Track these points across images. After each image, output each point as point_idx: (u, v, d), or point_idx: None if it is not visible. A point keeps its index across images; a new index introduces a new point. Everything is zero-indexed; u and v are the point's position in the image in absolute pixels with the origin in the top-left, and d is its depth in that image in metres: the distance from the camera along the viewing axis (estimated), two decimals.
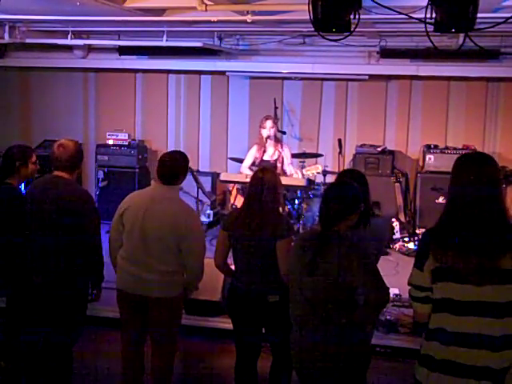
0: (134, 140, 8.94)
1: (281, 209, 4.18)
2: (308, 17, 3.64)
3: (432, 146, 8.14)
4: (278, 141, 7.14)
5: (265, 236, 3.67)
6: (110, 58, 8.78)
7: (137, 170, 8.72)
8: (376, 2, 3.59)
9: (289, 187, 6.83)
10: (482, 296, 2.49)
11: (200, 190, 7.27)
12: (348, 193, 3.12)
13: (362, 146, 8.37)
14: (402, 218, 8.17)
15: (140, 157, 8.81)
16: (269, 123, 6.95)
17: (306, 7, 3.63)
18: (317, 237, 3.05)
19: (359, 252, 2.97)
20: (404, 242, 7.67)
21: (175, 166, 3.88)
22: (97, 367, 4.75)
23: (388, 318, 5.13)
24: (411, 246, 7.53)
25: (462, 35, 5.60)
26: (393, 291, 5.50)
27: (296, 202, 7.15)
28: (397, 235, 7.77)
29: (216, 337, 5.16)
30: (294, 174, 7.07)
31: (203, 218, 7.73)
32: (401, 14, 3.83)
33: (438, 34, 3.84)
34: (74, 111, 9.46)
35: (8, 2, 4.39)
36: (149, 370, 4.01)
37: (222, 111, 9.06)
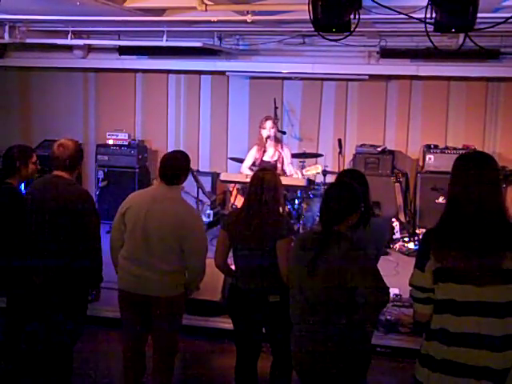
0: (134, 140, 8.94)
1: (281, 209, 4.18)
2: (308, 17, 3.64)
3: (432, 146, 8.15)
4: (277, 141, 7.15)
5: (265, 236, 3.67)
6: (110, 57, 8.78)
7: (137, 170, 8.72)
8: (376, 2, 3.59)
9: (289, 187, 6.83)
10: (483, 296, 2.49)
11: (200, 190, 7.27)
12: (348, 193, 3.12)
13: (361, 145, 8.37)
14: (402, 218, 8.18)
15: (140, 157, 8.81)
16: (269, 124, 6.95)
17: (306, 7, 3.63)
18: (317, 237, 3.05)
19: (359, 252, 2.97)
20: (404, 241, 7.67)
21: (177, 166, 3.88)
22: (97, 367, 4.76)
23: (388, 317, 5.13)
24: (411, 245, 7.53)
25: (462, 35, 5.60)
26: (393, 291, 5.50)
27: (296, 202, 7.15)
28: (397, 235, 7.77)
29: (216, 337, 5.16)
30: (293, 175, 7.07)
31: (203, 218, 7.73)
32: (401, 13, 3.83)
33: (438, 33, 3.84)
34: (74, 111, 9.46)
35: (8, 2, 4.38)
36: (149, 369, 4.01)
37: (222, 111, 9.06)
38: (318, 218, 3.15)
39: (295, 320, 3.13)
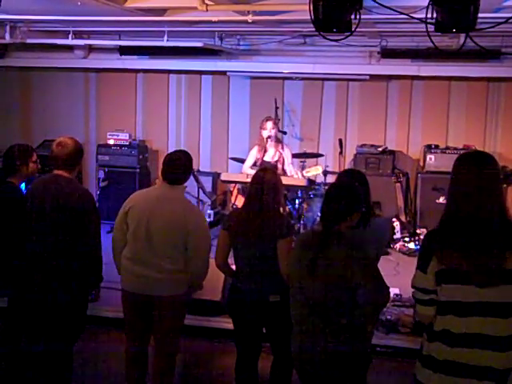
0: (134, 140, 8.94)
1: (281, 209, 4.18)
2: (309, 17, 3.64)
3: (433, 146, 8.15)
4: (278, 141, 7.14)
5: (265, 236, 3.67)
6: (111, 57, 8.78)
7: (137, 170, 8.72)
8: (377, 2, 3.59)
9: (289, 187, 6.83)
10: (486, 297, 2.48)
11: (201, 190, 7.27)
12: (349, 193, 3.12)
13: (362, 145, 8.36)
14: (403, 218, 8.18)
15: (141, 157, 8.81)
16: (269, 124, 6.95)
17: (307, 7, 3.62)
18: (317, 237, 3.05)
19: (360, 252, 2.97)
20: (404, 241, 7.67)
21: (180, 166, 3.88)
22: (97, 367, 4.76)
23: (388, 317, 5.12)
24: (412, 245, 7.53)
25: (462, 35, 5.59)
26: (393, 291, 5.50)
27: (296, 202, 7.15)
28: (397, 235, 7.77)
29: (216, 337, 5.16)
30: (294, 175, 7.06)
31: None
32: (402, 14, 3.83)
33: (439, 34, 3.84)
34: (74, 111, 9.46)
35: (9, 3, 4.38)
36: (150, 369, 4.01)
37: (223, 111, 9.06)
38: (318, 218, 3.15)
39: (295, 320, 3.13)
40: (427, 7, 3.53)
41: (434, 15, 3.58)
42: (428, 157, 8.07)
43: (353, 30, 3.75)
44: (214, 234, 6.71)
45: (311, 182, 7.39)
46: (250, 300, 3.76)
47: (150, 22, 6.55)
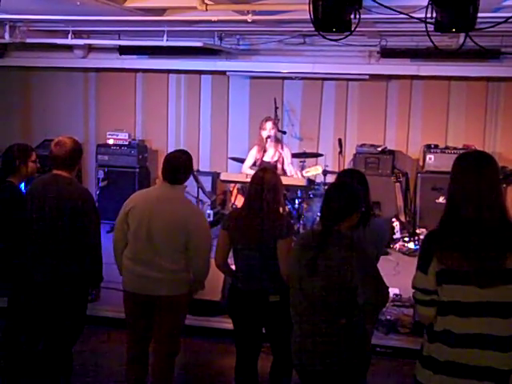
0: (134, 140, 8.93)
1: (281, 209, 4.18)
2: (308, 16, 3.64)
3: (432, 146, 8.15)
4: (278, 141, 7.14)
5: (265, 236, 3.67)
6: (111, 57, 8.77)
7: (137, 170, 8.72)
8: (376, 2, 3.59)
9: (289, 187, 6.83)
10: (488, 297, 2.48)
11: (200, 190, 7.27)
12: (349, 193, 3.12)
13: (362, 145, 8.36)
14: (402, 218, 8.18)
15: (140, 157, 8.81)
16: (269, 125, 6.94)
17: (307, 7, 3.62)
18: (317, 236, 3.05)
19: (359, 252, 2.97)
20: (404, 241, 7.67)
21: (180, 166, 3.88)
22: (97, 367, 4.76)
23: (388, 317, 5.12)
24: (411, 245, 7.53)
25: (462, 35, 5.59)
26: (393, 291, 5.50)
27: (296, 201, 7.15)
28: (397, 235, 7.77)
29: (216, 337, 5.16)
30: (294, 176, 7.06)
31: None
32: (401, 13, 3.82)
33: (439, 33, 3.83)
34: (74, 111, 9.46)
35: (8, 2, 4.38)
36: (150, 369, 4.01)
37: (223, 111, 9.06)
38: (318, 218, 3.15)
39: (295, 320, 3.13)
40: (427, 7, 3.53)
41: (434, 15, 3.58)
42: (427, 156, 8.07)
43: (352, 29, 3.74)
44: (214, 233, 6.71)
45: (311, 181, 7.39)
46: (249, 300, 3.76)
47: (150, 22, 6.55)
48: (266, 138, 6.91)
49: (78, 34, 7.84)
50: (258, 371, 3.95)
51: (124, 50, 8.49)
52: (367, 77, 8.26)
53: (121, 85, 9.29)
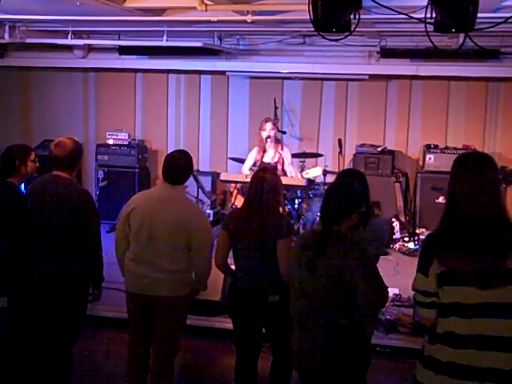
0: (134, 140, 8.94)
1: (281, 209, 4.18)
2: (308, 17, 3.64)
3: (432, 146, 8.16)
4: (278, 142, 7.13)
5: (265, 236, 3.67)
6: (110, 57, 8.78)
7: (137, 170, 8.72)
8: (376, 2, 3.59)
9: (289, 187, 6.83)
10: (489, 297, 2.47)
11: (200, 190, 7.27)
12: (349, 192, 3.12)
13: (362, 145, 8.37)
14: (402, 218, 8.18)
15: (140, 157, 8.81)
16: (269, 125, 6.93)
17: (306, 7, 3.62)
18: (317, 236, 3.05)
19: (359, 252, 2.97)
20: (404, 241, 7.67)
21: (180, 166, 3.88)
22: (97, 367, 4.76)
23: (388, 317, 5.12)
24: (411, 245, 7.53)
25: (462, 35, 5.60)
26: (393, 291, 5.50)
27: (296, 201, 7.15)
28: (397, 235, 7.77)
29: (216, 337, 5.16)
30: (294, 176, 7.06)
31: None
32: (401, 13, 3.82)
33: (438, 33, 3.84)
34: (74, 111, 9.47)
35: (8, 2, 4.38)
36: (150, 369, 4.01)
37: (222, 111, 9.06)
38: (318, 218, 3.15)
39: (295, 320, 3.13)
40: (426, 7, 3.53)
41: (434, 15, 3.58)
42: (427, 156, 8.08)
43: (352, 29, 3.74)
44: (214, 233, 6.72)
45: (311, 181, 7.39)
46: (249, 300, 3.76)
47: (150, 22, 6.55)
48: (266, 139, 6.91)
49: (77, 34, 7.84)
50: (257, 371, 3.95)
51: (124, 50, 8.50)
52: (367, 77, 8.27)
53: (120, 85, 9.29)
